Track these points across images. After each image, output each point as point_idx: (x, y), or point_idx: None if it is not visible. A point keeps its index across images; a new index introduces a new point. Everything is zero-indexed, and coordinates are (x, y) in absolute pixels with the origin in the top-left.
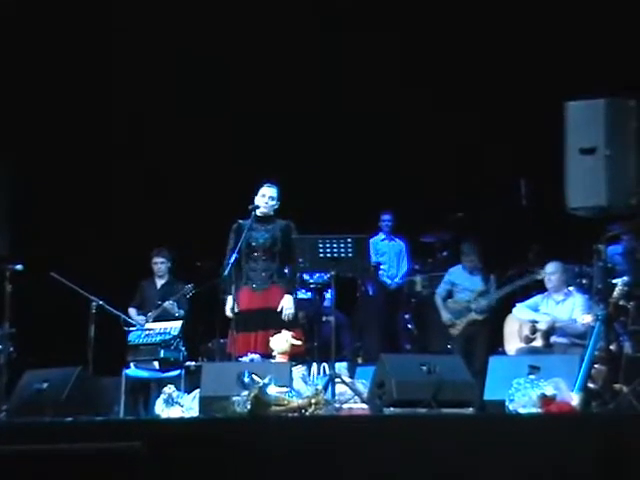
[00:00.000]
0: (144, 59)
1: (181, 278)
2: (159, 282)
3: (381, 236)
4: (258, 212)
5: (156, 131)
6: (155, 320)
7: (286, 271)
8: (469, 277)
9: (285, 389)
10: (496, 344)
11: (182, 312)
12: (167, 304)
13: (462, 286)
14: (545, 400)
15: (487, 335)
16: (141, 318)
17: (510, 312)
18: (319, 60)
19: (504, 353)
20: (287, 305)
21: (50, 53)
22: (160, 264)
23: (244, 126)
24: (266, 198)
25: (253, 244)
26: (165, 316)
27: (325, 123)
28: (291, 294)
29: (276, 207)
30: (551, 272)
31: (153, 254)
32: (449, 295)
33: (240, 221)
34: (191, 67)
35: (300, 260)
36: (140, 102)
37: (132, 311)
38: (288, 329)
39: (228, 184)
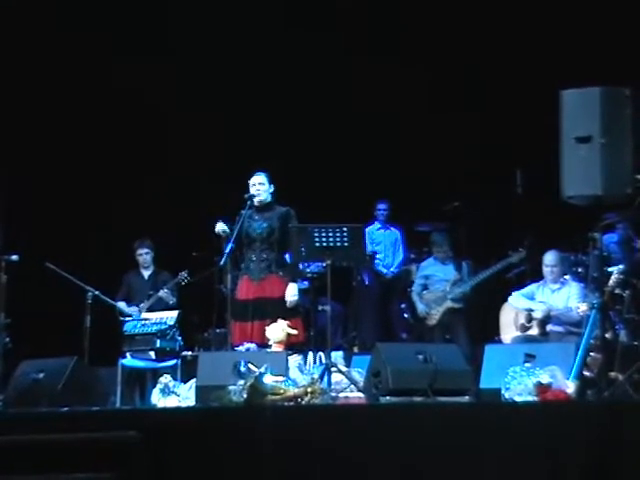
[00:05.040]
0: (140, 53)
1: (176, 268)
2: (145, 273)
3: (377, 225)
4: (255, 202)
5: (151, 121)
6: (149, 310)
7: (287, 258)
8: (442, 267)
9: (281, 378)
10: (475, 332)
11: (175, 300)
12: (162, 293)
13: (436, 277)
14: (541, 388)
15: (466, 323)
16: (133, 309)
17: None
18: (317, 54)
19: (500, 341)
20: (291, 293)
21: (48, 50)
22: (145, 255)
23: (240, 115)
24: (256, 186)
25: (252, 234)
26: (159, 305)
27: (322, 112)
28: (295, 282)
29: (271, 191)
30: (553, 264)
31: (136, 246)
32: (425, 289)
33: (242, 211)
34: (188, 58)
35: (301, 249)
36: (135, 95)
37: (122, 304)
38: (288, 318)
39: (224, 173)
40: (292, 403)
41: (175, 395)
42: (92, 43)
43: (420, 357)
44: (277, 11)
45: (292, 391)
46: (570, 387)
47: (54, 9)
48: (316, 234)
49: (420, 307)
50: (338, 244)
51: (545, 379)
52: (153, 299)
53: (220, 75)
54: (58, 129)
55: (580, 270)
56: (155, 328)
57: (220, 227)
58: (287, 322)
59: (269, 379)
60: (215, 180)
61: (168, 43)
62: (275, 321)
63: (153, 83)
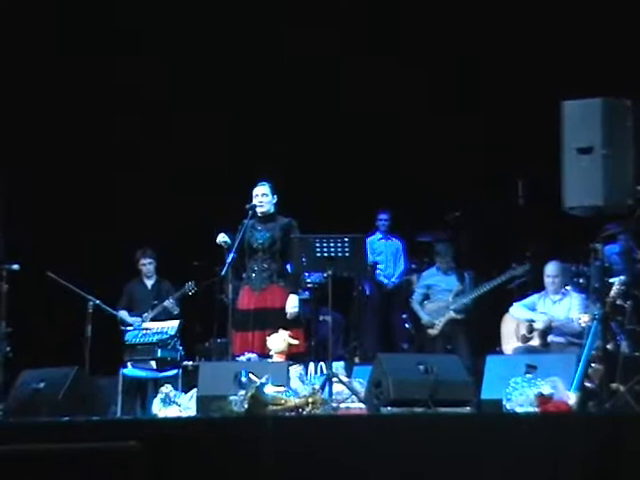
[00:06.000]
0: (140, 54)
1: (177, 278)
2: (148, 282)
3: (378, 235)
4: (258, 212)
5: (151, 125)
6: (152, 319)
7: (288, 268)
8: (444, 278)
9: (282, 388)
10: (476, 343)
11: (178, 310)
12: (168, 303)
13: (438, 287)
14: (542, 399)
15: (467, 334)
16: (136, 319)
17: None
18: (318, 60)
19: (501, 352)
20: (292, 304)
21: (46, 51)
22: (148, 265)
23: (242, 124)
24: (260, 197)
25: (254, 245)
26: (162, 315)
27: (323, 122)
28: (296, 294)
29: (274, 202)
30: (555, 275)
31: (139, 255)
32: (426, 299)
33: (244, 221)
34: (188, 62)
35: (302, 259)
36: (136, 102)
37: (123, 313)
38: (289, 329)
39: (225, 183)
40: (293, 413)
41: (176, 405)
42: (92, 43)
43: (421, 368)
44: (276, 12)
45: (293, 401)
46: (571, 398)
47: (53, 5)
48: (317, 244)
49: (425, 317)
50: (339, 254)
51: (546, 390)
52: (158, 309)
53: (220, 83)
54: (60, 135)
55: (581, 281)
56: (156, 338)
57: (221, 238)
58: (288, 332)
59: (270, 389)
60: (216, 188)
61: (167, 44)
62: (276, 331)
63: (152, 88)
